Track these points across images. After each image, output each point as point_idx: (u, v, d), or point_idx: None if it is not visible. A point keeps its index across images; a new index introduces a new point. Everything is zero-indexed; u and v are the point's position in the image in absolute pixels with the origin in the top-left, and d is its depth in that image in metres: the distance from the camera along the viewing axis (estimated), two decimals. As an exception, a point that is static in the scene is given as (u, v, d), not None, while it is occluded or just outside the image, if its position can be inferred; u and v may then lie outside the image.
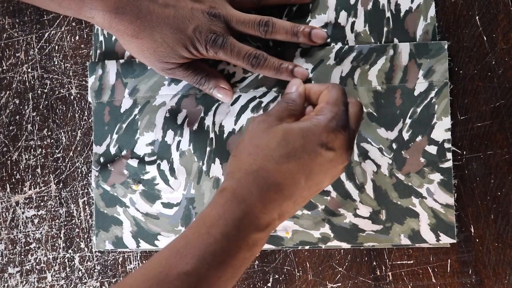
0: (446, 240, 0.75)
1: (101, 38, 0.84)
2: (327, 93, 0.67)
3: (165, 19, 0.72)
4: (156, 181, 0.81)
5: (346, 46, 0.77)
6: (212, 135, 0.80)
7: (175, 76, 0.77)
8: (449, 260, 0.76)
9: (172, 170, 0.80)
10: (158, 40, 0.72)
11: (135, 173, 0.81)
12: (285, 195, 0.61)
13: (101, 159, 0.82)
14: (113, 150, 0.82)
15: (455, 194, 0.76)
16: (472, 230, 0.76)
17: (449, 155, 0.75)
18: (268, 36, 0.76)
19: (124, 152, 0.82)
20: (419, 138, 0.76)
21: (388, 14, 0.78)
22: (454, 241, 0.75)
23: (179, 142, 0.80)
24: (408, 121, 0.76)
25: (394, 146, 0.76)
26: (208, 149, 0.79)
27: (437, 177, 0.76)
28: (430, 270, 0.77)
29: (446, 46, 0.76)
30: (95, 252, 0.83)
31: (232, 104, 0.80)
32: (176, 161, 0.80)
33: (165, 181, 0.81)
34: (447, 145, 0.75)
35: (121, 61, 0.82)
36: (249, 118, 0.79)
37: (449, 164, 0.75)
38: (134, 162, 0.81)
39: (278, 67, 0.75)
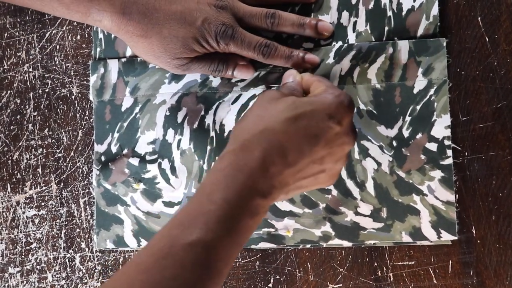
0: (447, 237, 0.75)
1: (100, 35, 0.84)
2: (319, 83, 0.68)
3: (173, 15, 0.72)
4: (157, 180, 0.81)
5: (346, 45, 0.77)
6: (212, 133, 0.79)
7: (191, 71, 0.77)
8: (450, 261, 0.76)
9: (173, 169, 0.80)
10: (167, 36, 0.72)
11: (136, 172, 0.81)
12: (287, 162, 0.60)
13: (102, 158, 0.82)
14: (114, 149, 0.82)
15: (457, 195, 0.76)
16: (474, 231, 0.76)
17: (449, 152, 0.75)
18: (275, 28, 0.76)
19: (125, 151, 0.82)
20: (419, 136, 0.76)
21: (389, 13, 0.78)
22: (455, 238, 0.75)
23: (179, 140, 0.80)
24: (407, 118, 0.76)
25: (394, 143, 0.76)
26: (208, 147, 0.79)
27: (437, 174, 0.75)
28: (431, 271, 0.76)
29: (444, 44, 0.76)
30: (96, 252, 0.83)
31: (233, 102, 0.79)
32: (177, 159, 0.80)
33: (166, 180, 0.81)
34: (447, 142, 0.75)
35: (123, 59, 0.82)
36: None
37: (449, 161, 0.75)
38: (135, 161, 0.81)
39: (289, 55, 0.75)
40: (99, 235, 0.82)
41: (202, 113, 0.80)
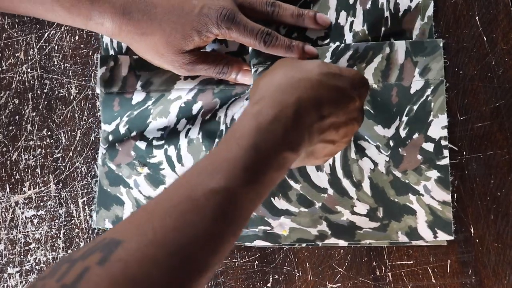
0: (443, 237, 0.75)
1: (111, 52, 0.84)
2: None
3: (171, 8, 0.72)
4: (162, 166, 0.81)
5: (343, 45, 0.77)
6: (223, 127, 0.79)
7: (196, 72, 0.76)
8: (449, 260, 0.76)
9: (179, 157, 0.80)
10: (167, 29, 0.72)
11: (142, 156, 0.81)
12: (321, 114, 0.60)
13: (110, 137, 0.82)
14: (122, 130, 0.82)
15: (455, 195, 0.76)
16: (472, 231, 0.76)
17: (445, 152, 0.75)
18: (275, 16, 0.76)
19: (133, 133, 0.81)
20: (415, 136, 0.76)
21: (387, 13, 0.78)
22: (452, 237, 0.75)
23: (189, 129, 0.80)
24: (404, 118, 0.76)
25: (391, 143, 0.76)
26: (217, 140, 0.79)
27: (434, 174, 0.75)
28: (430, 271, 0.76)
29: (441, 44, 0.76)
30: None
31: (247, 98, 0.79)
32: (184, 148, 0.80)
33: (172, 167, 0.80)
34: (443, 142, 0.75)
35: (135, 56, 0.82)
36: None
37: (445, 161, 0.75)
38: (142, 145, 0.81)
39: (290, 45, 0.75)
40: (99, 213, 0.82)
41: (217, 107, 0.80)
